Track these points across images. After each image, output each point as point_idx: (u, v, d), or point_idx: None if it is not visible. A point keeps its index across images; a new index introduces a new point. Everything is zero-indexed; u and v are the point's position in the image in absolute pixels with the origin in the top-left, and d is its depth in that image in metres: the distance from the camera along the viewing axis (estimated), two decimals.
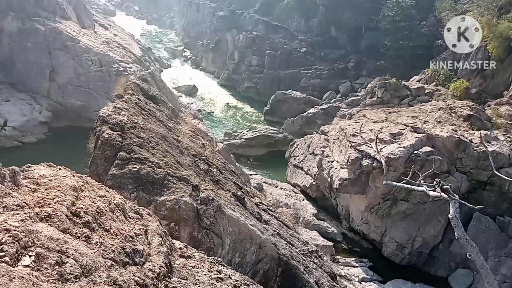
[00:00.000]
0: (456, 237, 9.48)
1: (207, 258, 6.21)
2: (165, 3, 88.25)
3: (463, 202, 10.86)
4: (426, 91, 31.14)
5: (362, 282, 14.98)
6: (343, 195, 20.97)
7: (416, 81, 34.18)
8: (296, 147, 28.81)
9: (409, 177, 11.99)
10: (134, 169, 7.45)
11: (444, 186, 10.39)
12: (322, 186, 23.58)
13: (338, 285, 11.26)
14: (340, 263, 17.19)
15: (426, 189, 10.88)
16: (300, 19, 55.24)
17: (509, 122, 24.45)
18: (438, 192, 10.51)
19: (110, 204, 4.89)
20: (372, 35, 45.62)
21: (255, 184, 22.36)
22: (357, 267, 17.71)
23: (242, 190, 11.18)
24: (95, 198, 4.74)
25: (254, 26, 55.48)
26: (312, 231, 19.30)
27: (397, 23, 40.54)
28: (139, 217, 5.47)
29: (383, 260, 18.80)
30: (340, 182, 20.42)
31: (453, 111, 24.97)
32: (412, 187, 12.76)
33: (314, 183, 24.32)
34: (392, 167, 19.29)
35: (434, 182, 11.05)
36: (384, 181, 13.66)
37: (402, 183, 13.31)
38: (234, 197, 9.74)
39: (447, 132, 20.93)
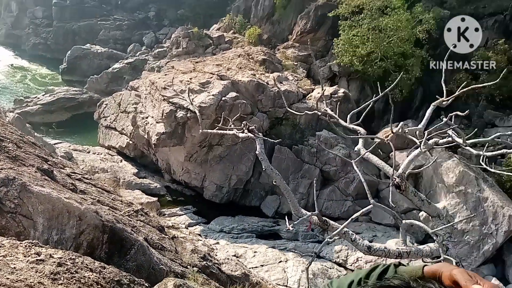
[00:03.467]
0: (264, 169, 10.88)
1: (20, 243, 5.19)
2: None
3: (266, 138, 12.45)
4: (226, 39, 32.93)
5: (188, 228, 15.78)
6: (162, 149, 20.90)
7: (216, 30, 35.62)
8: (106, 107, 26.61)
9: (221, 123, 12.76)
10: None
11: (250, 127, 11.60)
12: (140, 143, 22.85)
13: (167, 236, 11.49)
14: (166, 215, 17.52)
15: (236, 132, 11.98)
16: None
17: (295, 63, 28.53)
18: (246, 133, 11.70)
19: None
20: None
21: (63, 154, 19.89)
22: (182, 215, 18.48)
23: (48, 163, 9.66)
24: None
25: None
26: (134, 190, 18.78)
27: None
28: None
29: (206, 203, 20.18)
30: (157, 137, 20.18)
31: (250, 57, 27.32)
32: (224, 132, 13.74)
33: (130, 142, 23.30)
34: (205, 115, 20.05)
35: (242, 124, 12.26)
36: (200, 130, 14.27)
37: (216, 129, 14.24)
38: (40, 171, 8.33)
39: (248, 77, 22.84)
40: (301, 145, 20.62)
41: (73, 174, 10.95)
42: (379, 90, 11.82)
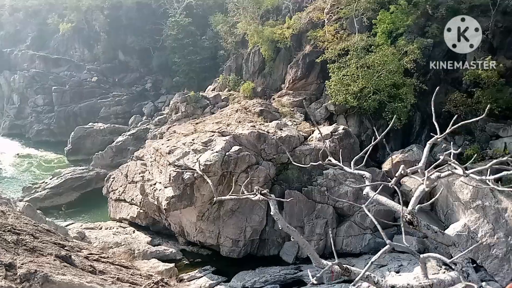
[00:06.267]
0: (280, 228, 10.86)
1: None
2: None
3: (280, 199, 12.69)
4: (222, 97, 34.02)
5: None
6: (174, 212, 20.73)
7: (212, 90, 36.93)
8: (113, 180, 26.83)
9: (227, 178, 12.92)
10: None
11: (263, 191, 11.77)
12: (150, 211, 22.72)
13: None
14: (185, 279, 16.95)
15: (252, 197, 12.16)
16: (83, 48, 51.95)
17: (291, 109, 29.16)
18: (259, 197, 11.87)
19: None
20: (161, 55, 46.82)
21: (75, 234, 19.74)
22: (201, 277, 17.86)
23: (65, 248, 9.61)
24: None
25: (30, 63, 49.08)
26: (150, 260, 18.34)
27: (181, 41, 42.71)
28: None
29: (224, 260, 19.58)
30: (167, 201, 20.12)
31: (247, 110, 28.04)
32: (238, 196, 13.86)
33: (141, 211, 23.17)
34: (211, 172, 20.17)
35: (254, 190, 12.48)
36: (215, 198, 14.47)
37: (228, 196, 14.44)
38: (59, 259, 8.25)
39: (248, 129, 23.27)
40: (310, 186, 20.46)
41: (90, 255, 10.80)
42: (372, 124, 12.02)
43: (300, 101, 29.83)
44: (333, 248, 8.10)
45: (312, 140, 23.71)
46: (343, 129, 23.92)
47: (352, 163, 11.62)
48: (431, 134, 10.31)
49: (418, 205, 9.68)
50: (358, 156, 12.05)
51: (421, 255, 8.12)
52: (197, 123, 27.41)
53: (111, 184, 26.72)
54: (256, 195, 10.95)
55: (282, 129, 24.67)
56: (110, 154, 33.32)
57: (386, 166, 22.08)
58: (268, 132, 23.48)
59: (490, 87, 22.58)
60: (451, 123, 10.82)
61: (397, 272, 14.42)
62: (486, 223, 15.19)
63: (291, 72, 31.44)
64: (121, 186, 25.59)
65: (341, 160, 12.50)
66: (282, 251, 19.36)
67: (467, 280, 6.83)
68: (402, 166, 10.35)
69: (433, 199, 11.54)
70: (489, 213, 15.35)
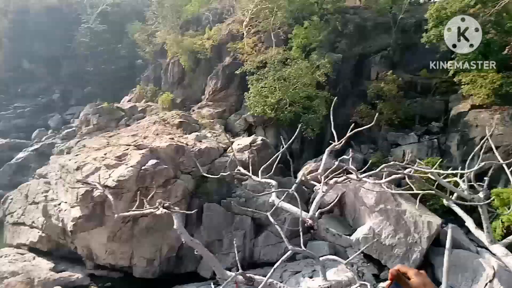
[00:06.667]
0: (184, 243, 10.56)
1: None
2: None
3: (184, 212, 12.49)
4: (139, 109, 32.56)
5: None
6: (81, 234, 18.95)
7: (128, 101, 35.21)
8: (11, 202, 23.81)
9: (140, 194, 12.57)
10: None
11: (165, 205, 11.33)
12: (54, 234, 20.50)
13: None
14: None
15: (152, 210, 11.74)
16: None
17: (211, 121, 28.90)
18: (162, 211, 11.45)
19: None
20: (72, 63, 43.66)
21: None
22: None
23: None
24: None
25: None
26: None
27: (94, 49, 40.36)
28: None
29: (138, 282, 18.38)
30: (74, 222, 18.39)
31: (166, 122, 27.14)
32: (141, 210, 13.20)
33: (43, 234, 20.77)
34: (125, 188, 19.00)
35: (157, 203, 12.02)
36: (115, 215, 13.66)
37: (131, 211, 13.73)
38: None
39: (166, 142, 22.44)
40: (229, 198, 20.25)
41: None
42: (288, 135, 12.43)
43: (221, 113, 29.77)
44: (236, 258, 8.05)
45: (231, 152, 23.62)
46: (261, 140, 24.25)
47: (259, 172, 11.76)
48: (330, 142, 10.86)
49: (319, 211, 10.05)
50: (265, 165, 12.24)
51: (320, 259, 8.40)
52: (110, 136, 25.77)
53: (8, 206, 23.69)
54: (159, 209, 10.48)
55: (201, 141, 24.28)
56: (9, 172, 29.72)
57: (301, 175, 22.82)
58: (187, 145, 22.91)
59: (390, 100, 24.71)
60: (348, 132, 11.54)
61: (311, 277, 14.76)
62: (389, 225, 16.35)
63: (211, 84, 31.30)
64: (20, 208, 22.81)
65: (260, 171, 12.56)
66: (199, 267, 18.73)
67: (362, 280, 7.12)
68: (301, 172, 10.73)
69: (330, 205, 12.06)
70: (391, 216, 16.55)
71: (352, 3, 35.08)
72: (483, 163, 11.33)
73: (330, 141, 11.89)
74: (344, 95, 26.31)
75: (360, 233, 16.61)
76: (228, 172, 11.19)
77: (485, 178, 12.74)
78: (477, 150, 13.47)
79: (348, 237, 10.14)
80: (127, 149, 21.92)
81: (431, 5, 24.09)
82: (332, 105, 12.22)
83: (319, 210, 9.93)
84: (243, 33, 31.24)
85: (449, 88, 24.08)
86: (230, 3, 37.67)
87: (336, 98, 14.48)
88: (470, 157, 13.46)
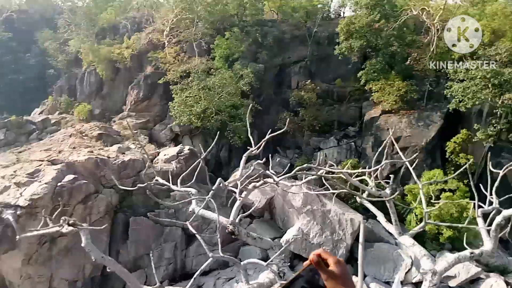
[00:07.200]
0: (94, 260, 10.05)
1: None
2: None
3: (91, 227, 11.90)
4: (52, 121, 30.18)
5: None
6: None
7: (39, 114, 32.43)
8: None
9: (57, 211, 11.62)
10: None
11: (71, 222, 10.72)
12: None
13: None
14: None
15: (58, 228, 10.96)
16: None
17: (134, 131, 27.85)
18: (66, 228, 10.77)
19: None
20: None
21: None
22: None
23: None
24: None
25: None
26: None
27: None
28: None
29: None
30: None
31: (84, 134, 25.55)
32: (46, 229, 12.22)
33: None
34: (40, 207, 17.45)
35: (61, 220, 11.27)
36: (17, 237, 12.69)
37: (34, 231, 12.73)
38: None
39: (84, 155, 21.14)
40: (157, 210, 19.69)
41: None
42: (215, 143, 12.72)
43: (144, 123, 28.88)
44: (153, 271, 8.03)
45: (157, 163, 23.03)
46: (188, 149, 24.02)
47: (178, 181, 11.76)
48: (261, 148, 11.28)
49: (242, 215, 10.39)
50: (184, 174, 12.31)
51: (241, 263, 8.70)
52: (20, 152, 23.54)
53: None
54: (63, 226, 9.95)
55: (124, 153, 23.29)
56: None
57: (230, 182, 23.05)
58: (109, 157, 21.81)
59: (311, 107, 26.27)
60: (265, 138, 12.07)
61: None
62: (316, 225, 17.27)
63: (133, 93, 30.25)
64: None
65: (179, 180, 12.48)
66: (128, 285, 17.86)
67: (284, 279, 7.51)
68: (219, 179, 11.07)
69: (253, 208, 12.49)
70: (317, 216, 17.52)
71: (270, 16, 36.65)
72: (386, 161, 12.52)
73: (248, 147, 12.34)
74: (268, 103, 27.31)
75: (289, 234, 17.28)
76: (146, 183, 11.05)
77: (390, 175, 14.04)
78: (387, 150, 14.89)
79: (269, 239, 10.58)
80: (40, 165, 20.29)
81: (341, 20, 26.29)
82: (248, 112, 12.70)
83: (244, 215, 10.27)
84: (164, 42, 30.82)
85: (362, 95, 26.32)
86: (149, 13, 36.97)
87: (251, 105, 14.95)
88: (384, 158, 14.83)
